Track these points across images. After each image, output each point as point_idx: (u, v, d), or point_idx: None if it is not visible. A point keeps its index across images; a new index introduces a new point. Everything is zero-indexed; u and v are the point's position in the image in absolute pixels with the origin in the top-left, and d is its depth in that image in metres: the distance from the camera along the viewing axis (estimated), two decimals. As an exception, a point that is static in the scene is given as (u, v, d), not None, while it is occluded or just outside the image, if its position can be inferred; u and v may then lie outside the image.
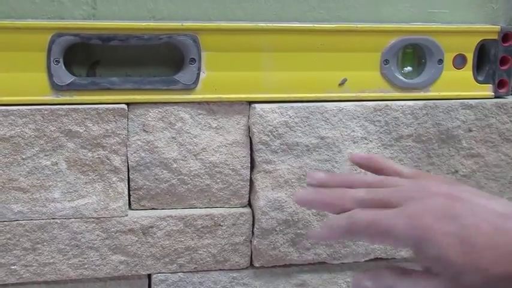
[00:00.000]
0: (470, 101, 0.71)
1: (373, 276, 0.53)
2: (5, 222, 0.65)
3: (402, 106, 0.70)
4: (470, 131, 0.72)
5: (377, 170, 0.57)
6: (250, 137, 0.69)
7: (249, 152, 0.69)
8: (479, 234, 0.48)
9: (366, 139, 0.69)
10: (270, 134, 0.67)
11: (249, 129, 0.69)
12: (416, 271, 0.51)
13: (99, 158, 0.66)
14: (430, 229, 0.49)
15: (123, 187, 0.67)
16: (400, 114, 0.70)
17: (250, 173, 0.70)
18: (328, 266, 0.73)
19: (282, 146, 0.68)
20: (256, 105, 0.67)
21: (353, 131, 0.69)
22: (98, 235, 0.67)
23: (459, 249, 0.48)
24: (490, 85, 0.73)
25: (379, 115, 0.69)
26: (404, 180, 0.54)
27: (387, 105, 0.69)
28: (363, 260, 0.73)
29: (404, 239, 0.50)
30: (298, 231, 0.70)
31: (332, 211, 0.54)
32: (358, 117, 0.69)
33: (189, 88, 0.66)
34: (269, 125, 0.67)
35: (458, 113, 0.71)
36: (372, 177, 0.56)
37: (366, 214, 0.51)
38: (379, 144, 0.70)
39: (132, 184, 0.68)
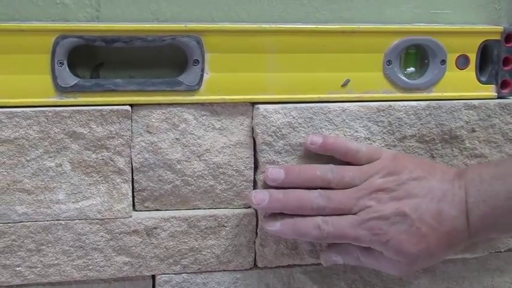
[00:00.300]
0: (474, 102, 0.71)
1: (340, 251, 0.68)
2: (9, 224, 0.65)
3: (405, 106, 0.70)
4: (474, 131, 0.72)
5: (338, 155, 0.68)
6: (253, 138, 0.69)
7: (253, 152, 0.70)
8: (423, 225, 0.64)
9: (369, 139, 0.70)
10: (273, 134, 0.68)
11: (252, 130, 0.69)
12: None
13: (103, 159, 0.66)
14: (387, 234, 0.64)
15: (127, 188, 0.67)
16: (404, 115, 0.70)
17: (254, 174, 0.70)
18: (332, 267, 0.73)
19: (285, 146, 0.68)
20: (260, 105, 0.67)
21: (356, 131, 0.69)
22: (102, 236, 0.68)
23: (412, 241, 0.64)
24: (493, 85, 0.73)
25: (382, 115, 0.69)
26: (356, 175, 0.65)
27: (390, 106, 0.69)
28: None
29: (368, 244, 0.65)
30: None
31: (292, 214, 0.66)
32: (362, 117, 0.69)
33: (193, 89, 0.66)
34: (273, 126, 0.67)
35: (462, 113, 0.71)
36: (328, 173, 0.66)
37: (333, 226, 0.64)
38: (383, 145, 0.70)
39: (136, 185, 0.68)
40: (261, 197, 0.66)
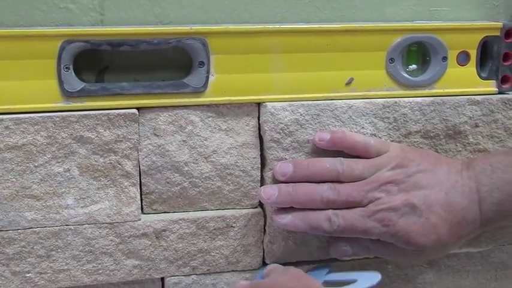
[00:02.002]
0: (477, 97, 0.72)
1: (350, 240, 0.68)
2: (19, 230, 0.65)
3: (410, 103, 0.71)
4: (477, 126, 0.73)
5: (347, 149, 0.67)
6: (260, 137, 0.69)
7: (259, 153, 0.70)
8: (432, 215, 0.65)
9: (375, 135, 0.70)
10: (281, 131, 0.68)
11: (259, 129, 0.69)
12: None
13: (110, 163, 0.66)
14: (396, 225, 0.64)
15: (135, 191, 0.67)
16: (409, 111, 0.71)
17: (261, 173, 0.70)
18: (339, 263, 0.73)
19: (293, 143, 0.69)
20: (268, 103, 0.68)
21: (362, 127, 0.70)
22: (111, 240, 0.68)
23: (422, 233, 0.64)
24: (494, 81, 0.74)
25: (388, 112, 0.70)
26: (365, 167, 0.66)
27: (396, 102, 0.70)
28: (373, 256, 0.73)
29: (377, 236, 0.66)
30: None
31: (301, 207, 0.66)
32: (368, 114, 0.70)
33: (199, 91, 0.67)
34: (280, 123, 0.68)
35: (465, 109, 0.72)
36: (338, 165, 0.66)
37: (343, 219, 0.65)
38: (388, 141, 0.71)
39: (144, 188, 0.68)
40: (270, 191, 0.66)
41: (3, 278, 0.66)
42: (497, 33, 0.72)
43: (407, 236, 0.64)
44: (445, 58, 0.72)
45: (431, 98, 0.71)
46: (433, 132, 0.72)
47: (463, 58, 0.73)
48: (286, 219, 0.66)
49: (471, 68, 0.73)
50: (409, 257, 0.68)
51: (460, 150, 0.73)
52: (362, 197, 0.65)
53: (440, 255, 0.71)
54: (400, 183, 0.65)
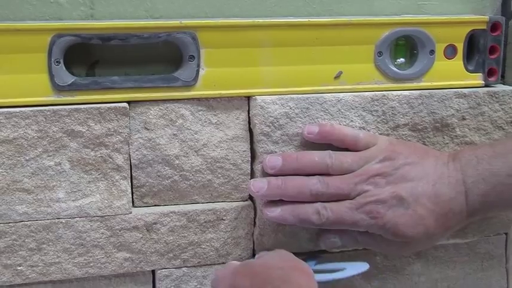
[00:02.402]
0: (464, 90, 0.73)
1: (338, 232, 0.70)
2: (10, 224, 0.66)
3: (398, 96, 0.71)
4: (464, 119, 0.74)
5: (336, 142, 0.68)
6: (250, 131, 0.70)
7: (249, 146, 0.70)
8: (419, 207, 0.66)
9: (364, 128, 0.71)
10: (271, 125, 0.69)
11: (249, 122, 0.70)
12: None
13: (101, 156, 0.66)
14: (384, 217, 0.65)
15: (126, 185, 0.68)
16: (397, 104, 0.71)
17: (251, 166, 0.71)
18: (328, 256, 0.74)
19: (282, 136, 0.69)
20: (257, 97, 0.68)
21: (351, 120, 0.70)
22: (102, 233, 0.68)
23: (409, 224, 0.65)
24: (480, 74, 0.75)
25: (376, 105, 0.71)
26: (353, 160, 0.67)
27: (384, 95, 0.71)
28: (362, 248, 0.74)
29: (366, 228, 0.67)
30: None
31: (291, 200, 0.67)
32: (356, 107, 0.70)
33: (189, 85, 0.67)
34: (270, 116, 0.68)
35: (452, 101, 0.73)
36: (326, 158, 0.67)
37: (332, 212, 0.65)
38: (377, 133, 0.71)
39: (134, 182, 0.69)
40: (259, 184, 0.67)
41: (-6, 271, 0.66)
42: (484, 27, 0.73)
43: (395, 228, 0.65)
44: (432, 51, 0.72)
45: (419, 91, 0.72)
46: (421, 125, 0.73)
47: (450, 51, 0.73)
48: (275, 212, 0.66)
49: (458, 62, 0.74)
50: (397, 249, 0.69)
51: (447, 143, 0.74)
52: (350, 189, 0.66)
53: (428, 246, 0.72)
54: (388, 175, 0.66)
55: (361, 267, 0.69)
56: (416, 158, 0.67)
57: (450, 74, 0.74)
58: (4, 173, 0.64)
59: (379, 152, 0.67)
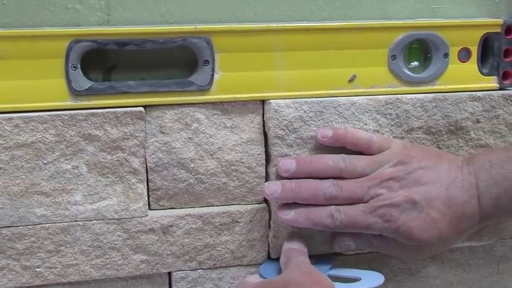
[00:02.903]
0: (478, 93, 0.73)
1: (353, 235, 0.70)
2: (28, 226, 0.67)
3: (412, 99, 0.72)
4: (478, 122, 0.74)
5: (349, 146, 0.69)
6: (264, 134, 0.71)
7: (264, 149, 0.71)
8: (433, 210, 0.66)
9: (377, 132, 0.71)
10: (285, 128, 0.69)
11: (263, 126, 0.70)
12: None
13: (118, 160, 0.67)
14: (397, 221, 0.66)
15: (142, 188, 0.69)
16: (411, 107, 0.72)
17: (266, 169, 0.71)
18: (344, 258, 0.74)
19: (297, 140, 0.70)
20: (272, 100, 0.69)
21: (365, 124, 0.71)
22: (119, 236, 0.69)
23: (423, 228, 0.66)
24: (495, 77, 0.75)
25: (390, 108, 0.71)
26: (367, 164, 0.67)
27: (398, 99, 0.71)
28: (376, 251, 0.74)
29: (379, 232, 0.67)
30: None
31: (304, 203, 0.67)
32: (370, 110, 0.71)
33: (204, 89, 0.68)
34: (284, 120, 0.69)
35: (467, 104, 0.73)
36: (340, 162, 0.67)
37: (345, 215, 0.66)
38: (391, 137, 0.72)
39: (150, 185, 0.70)
40: (273, 187, 0.67)
41: (14, 272, 0.67)
42: (498, 30, 0.73)
43: (408, 232, 0.65)
44: (446, 55, 0.73)
45: (433, 94, 0.72)
46: (435, 128, 0.73)
47: (464, 55, 0.74)
48: (289, 215, 0.67)
49: (472, 65, 0.74)
50: (411, 252, 0.69)
51: (461, 146, 0.74)
52: (364, 193, 0.66)
53: (441, 250, 0.71)
54: (402, 179, 0.66)
55: (377, 279, 0.69)
56: (429, 162, 0.67)
57: (464, 77, 0.74)
58: (23, 177, 0.65)
59: (392, 155, 0.67)
